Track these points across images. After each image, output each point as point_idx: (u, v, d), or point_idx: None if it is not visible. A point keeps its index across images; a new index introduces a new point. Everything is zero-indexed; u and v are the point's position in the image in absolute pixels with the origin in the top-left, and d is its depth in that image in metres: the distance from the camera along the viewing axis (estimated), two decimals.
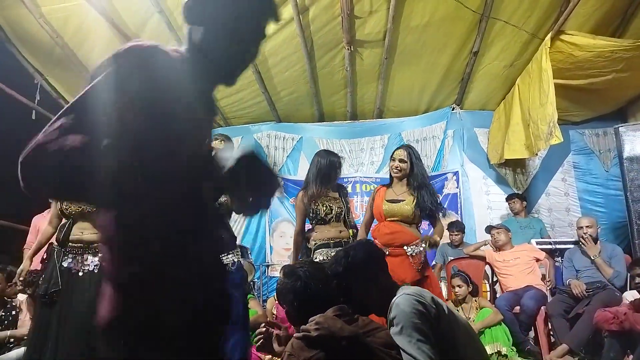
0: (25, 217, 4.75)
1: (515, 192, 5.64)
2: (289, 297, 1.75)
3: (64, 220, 2.84)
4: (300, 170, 6.32)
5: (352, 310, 1.73)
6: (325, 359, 1.50)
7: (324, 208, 3.25)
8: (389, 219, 3.11)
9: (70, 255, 2.72)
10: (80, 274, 2.69)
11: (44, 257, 2.88)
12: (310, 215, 3.30)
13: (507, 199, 5.47)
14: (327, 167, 3.27)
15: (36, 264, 4.34)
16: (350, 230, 3.29)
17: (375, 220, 3.30)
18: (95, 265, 2.72)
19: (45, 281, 2.67)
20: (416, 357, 1.45)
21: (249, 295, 4.19)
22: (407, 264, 2.94)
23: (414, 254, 2.97)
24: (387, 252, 2.92)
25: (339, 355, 1.49)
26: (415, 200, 3.09)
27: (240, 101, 6.18)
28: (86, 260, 2.72)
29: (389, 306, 1.63)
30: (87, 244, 2.75)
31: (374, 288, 1.77)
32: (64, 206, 2.77)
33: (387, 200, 3.16)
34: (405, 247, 2.99)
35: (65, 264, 2.69)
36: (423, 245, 3.01)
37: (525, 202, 5.42)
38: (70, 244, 2.75)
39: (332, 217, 3.25)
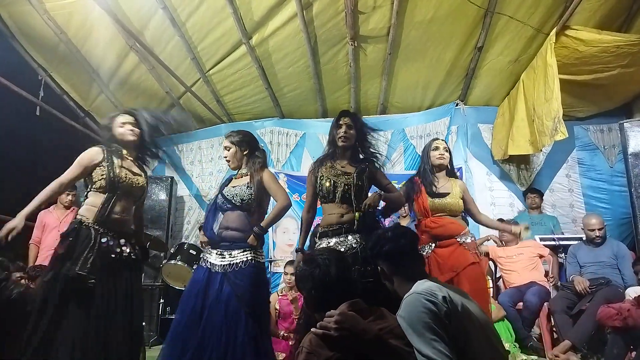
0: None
1: (520, 188, 5.64)
2: (308, 284, 1.74)
3: (101, 196, 2.55)
4: (304, 167, 6.32)
5: (369, 299, 1.74)
6: (345, 358, 1.47)
7: (328, 184, 2.75)
8: (435, 215, 3.03)
9: (107, 238, 2.51)
10: (117, 258, 2.54)
11: (67, 233, 2.48)
12: (317, 192, 2.85)
13: (526, 194, 5.46)
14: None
15: (42, 259, 4.34)
16: (357, 214, 2.65)
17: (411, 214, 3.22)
18: (130, 252, 2.61)
19: (75, 262, 2.36)
20: (431, 357, 1.43)
21: None
22: (460, 251, 2.90)
23: (466, 242, 2.95)
24: (435, 244, 2.95)
25: (359, 354, 1.46)
26: (460, 189, 3.09)
27: (244, 97, 6.19)
28: (122, 244, 2.58)
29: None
30: (123, 228, 2.62)
31: (401, 276, 1.77)
32: (116, 175, 2.56)
33: (431, 196, 3.05)
34: (456, 238, 2.95)
35: (105, 247, 2.48)
36: (472, 236, 3.00)
37: (541, 199, 5.42)
38: (111, 224, 2.54)
39: (335, 196, 2.72)
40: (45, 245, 4.50)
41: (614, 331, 3.15)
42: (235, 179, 2.93)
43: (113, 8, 4.52)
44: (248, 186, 2.79)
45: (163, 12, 4.75)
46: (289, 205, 2.84)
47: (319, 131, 6.38)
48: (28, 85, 5.25)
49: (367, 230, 2.58)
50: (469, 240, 2.96)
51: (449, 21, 4.82)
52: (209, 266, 2.71)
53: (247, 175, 2.87)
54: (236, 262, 2.66)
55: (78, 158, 2.61)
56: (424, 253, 2.98)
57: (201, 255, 2.84)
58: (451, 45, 5.16)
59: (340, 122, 2.88)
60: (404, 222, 5.19)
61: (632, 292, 3.48)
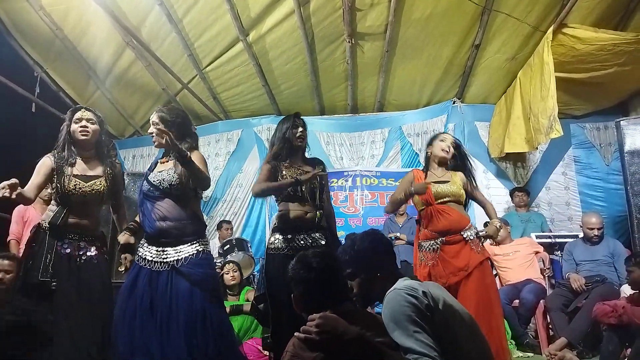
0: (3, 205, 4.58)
1: (516, 185, 5.66)
2: (300, 287, 1.73)
3: (54, 203, 2.58)
4: None
5: (358, 299, 1.74)
6: (329, 359, 1.47)
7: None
8: (439, 202, 2.96)
9: (66, 241, 2.51)
10: (78, 261, 2.51)
11: (31, 240, 2.55)
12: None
13: (513, 192, 5.47)
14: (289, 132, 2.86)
15: None
16: (318, 212, 2.74)
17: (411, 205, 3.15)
18: (93, 255, 2.56)
19: (37, 268, 2.40)
20: (415, 349, 1.43)
21: (247, 288, 4.20)
22: (467, 251, 2.86)
23: (471, 238, 2.90)
24: (443, 240, 2.89)
25: (343, 356, 1.46)
26: (460, 179, 3.05)
27: (241, 94, 6.18)
28: (82, 247, 2.55)
29: None
30: (84, 231, 2.57)
31: (379, 277, 1.75)
32: (65, 187, 2.50)
33: (433, 182, 3.01)
34: (462, 233, 2.90)
35: (65, 251, 2.49)
36: (475, 230, 2.97)
37: (528, 197, 5.45)
38: (70, 229, 2.53)
39: (300, 194, 2.71)
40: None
41: (609, 328, 3.15)
42: (161, 162, 2.63)
43: (109, 4, 4.49)
44: (175, 170, 2.49)
45: (160, 9, 4.73)
46: (207, 186, 2.59)
47: (316, 129, 6.37)
48: (24, 82, 5.22)
49: (327, 229, 2.75)
50: (473, 236, 2.92)
51: (447, 19, 4.83)
52: (149, 265, 2.43)
53: (172, 158, 2.57)
54: (185, 257, 2.42)
55: (37, 167, 2.59)
56: (431, 249, 2.93)
57: (138, 253, 2.53)
58: (448, 42, 5.16)
59: (297, 122, 2.90)
60: (401, 220, 5.20)
61: (627, 290, 3.49)
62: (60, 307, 2.39)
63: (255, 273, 5.14)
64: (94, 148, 2.71)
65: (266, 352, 3.56)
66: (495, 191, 5.86)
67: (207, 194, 6.15)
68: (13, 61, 5.15)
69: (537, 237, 4.75)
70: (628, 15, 4.53)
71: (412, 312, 1.49)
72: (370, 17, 4.86)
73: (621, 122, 4.36)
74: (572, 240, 4.48)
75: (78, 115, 2.64)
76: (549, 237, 4.84)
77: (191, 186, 2.51)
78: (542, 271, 4.40)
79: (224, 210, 6.29)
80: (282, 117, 6.63)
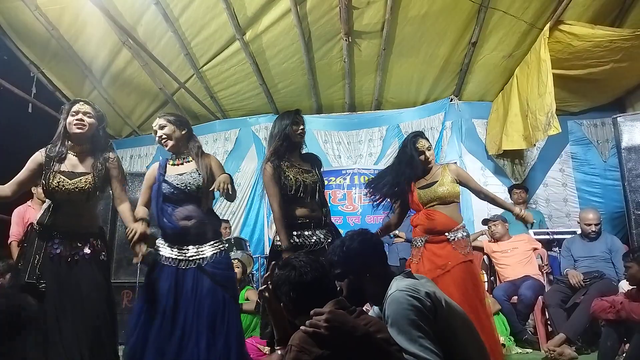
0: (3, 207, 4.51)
1: (513, 182, 5.66)
2: (285, 288, 1.69)
3: (47, 202, 2.51)
4: None
5: (348, 301, 1.71)
6: (335, 356, 1.46)
7: (294, 183, 2.68)
8: (427, 207, 3.00)
9: (56, 241, 2.41)
10: (69, 260, 2.41)
11: (23, 241, 2.51)
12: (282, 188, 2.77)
13: (511, 189, 5.46)
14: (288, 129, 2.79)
15: None
16: (323, 209, 2.80)
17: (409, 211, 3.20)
18: (86, 255, 2.46)
19: (25, 270, 2.34)
20: (419, 354, 1.42)
21: (246, 287, 4.20)
22: (449, 250, 2.90)
23: (456, 239, 2.92)
24: (426, 239, 2.96)
25: (349, 352, 1.45)
26: (452, 175, 3.04)
27: (238, 93, 6.17)
28: (75, 247, 2.44)
29: (383, 296, 1.62)
30: (75, 229, 2.48)
31: (369, 278, 1.74)
32: (50, 184, 2.43)
33: (419, 188, 3.05)
34: (446, 234, 2.93)
35: (55, 251, 2.40)
36: (465, 232, 2.99)
37: (526, 194, 5.45)
38: (59, 228, 2.44)
39: (304, 194, 2.71)
40: None
41: (607, 324, 3.16)
42: (175, 165, 2.67)
43: (105, 3, 4.48)
44: (198, 172, 2.58)
45: (156, 8, 4.72)
46: (235, 199, 2.76)
47: (314, 127, 6.37)
48: (20, 82, 5.20)
49: (331, 227, 2.79)
50: (460, 237, 2.94)
51: (443, 16, 4.83)
52: (174, 264, 2.49)
53: (189, 160, 2.66)
54: (209, 255, 2.51)
55: (28, 162, 2.53)
56: (416, 246, 3.01)
57: (160, 252, 2.56)
58: (445, 40, 5.16)
59: (298, 119, 2.87)
60: None
61: (625, 285, 3.50)
62: (50, 308, 2.32)
63: (254, 272, 5.14)
64: (89, 143, 2.59)
65: (266, 350, 3.57)
66: (493, 188, 5.82)
67: None
68: (9, 61, 5.14)
69: (535, 233, 4.76)
70: (624, 12, 4.55)
71: (416, 315, 1.48)
72: (367, 15, 4.86)
73: (618, 118, 4.36)
74: (570, 236, 4.50)
75: (75, 108, 2.54)
76: (547, 233, 4.85)
77: (209, 188, 2.56)
78: (540, 267, 4.42)
79: (222, 210, 6.28)
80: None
